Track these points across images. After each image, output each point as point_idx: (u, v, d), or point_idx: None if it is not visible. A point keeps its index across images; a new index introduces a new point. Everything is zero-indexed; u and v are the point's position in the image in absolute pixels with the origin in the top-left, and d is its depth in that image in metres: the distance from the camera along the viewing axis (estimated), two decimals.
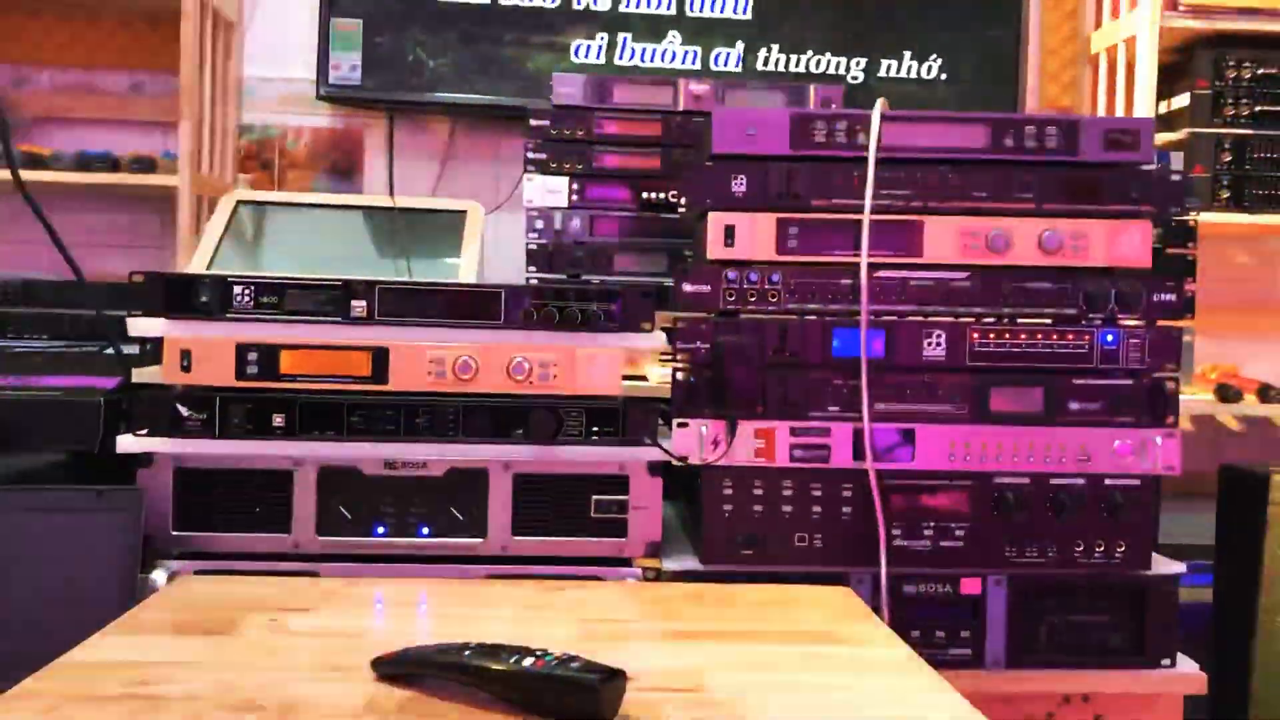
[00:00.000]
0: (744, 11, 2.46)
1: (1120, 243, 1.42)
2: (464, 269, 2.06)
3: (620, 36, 2.45)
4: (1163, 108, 2.40)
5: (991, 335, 1.42)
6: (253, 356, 1.37)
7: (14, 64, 2.47)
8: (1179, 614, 1.45)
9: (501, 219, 2.45)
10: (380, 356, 1.38)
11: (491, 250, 2.33)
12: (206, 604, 1.14)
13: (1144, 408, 1.42)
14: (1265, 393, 2.29)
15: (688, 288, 1.42)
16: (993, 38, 2.50)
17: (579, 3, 2.43)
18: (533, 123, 2.03)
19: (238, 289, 1.37)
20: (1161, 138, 2.36)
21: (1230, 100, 2.31)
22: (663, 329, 1.48)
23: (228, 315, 1.37)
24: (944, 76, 2.49)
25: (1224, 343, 2.55)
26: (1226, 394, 2.24)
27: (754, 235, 1.42)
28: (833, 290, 1.42)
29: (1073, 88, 2.62)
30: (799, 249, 1.42)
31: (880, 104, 1.42)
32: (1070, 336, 1.42)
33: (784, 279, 1.42)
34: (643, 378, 2.02)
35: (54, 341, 2.07)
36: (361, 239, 2.20)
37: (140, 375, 1.70)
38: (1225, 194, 2.30)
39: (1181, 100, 2.36)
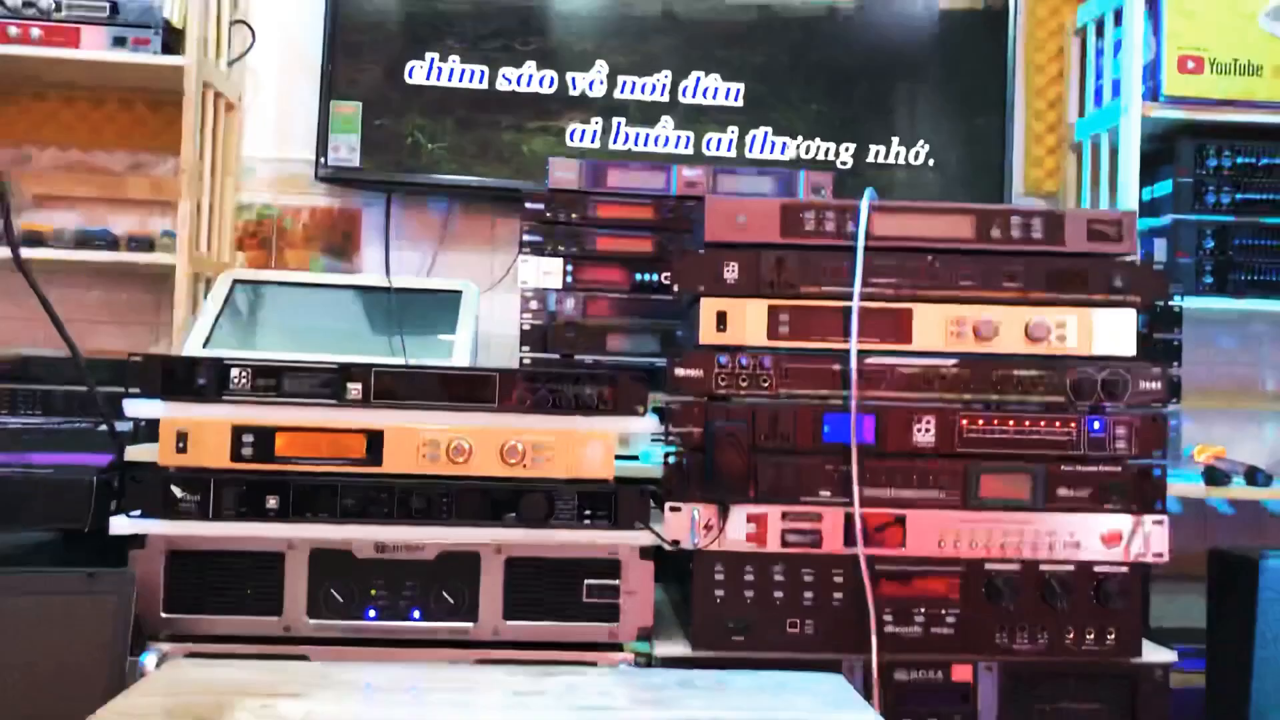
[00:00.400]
0: (735, 99, 2.51)
1: (1105, 332, 1.45)
2: (458, 349, 2.08)
3: (615, 121, 2.50)
4: (1146, 194, 2.45)
5: (980, 422, 1.44)
6: (248, 438, 1.38)
7: (17, 144, 2.50)
8: (1171, 700, 1.44)
9: (496, 297, 2.47)
10: (375, 439, 1.39)
11: (486, 328, 2.35)
12: (197, 689, 1.13)
13: (1132, 495, 1.44)
14: (1253, 476, 2.30)
15: (680, 372, 1.44)
16: (978, 125, 2.56)
17: (575, 89, 2.48)
18: (529, 205, 2.07)
19: (235, 372, 1.39)
20: (1145, 224, 2.40)
21: (1212, 188, 2.35)
22: (655, 410, 1.49)
23: (224, 398, 1.39)
24: (931, 162, 2.54)
25: (1211, 424, 2.58)
26: (1214, 477, 2.25)
27: (745, 321, 1.44)
28: (823, 375, 1.44)
29: (1057, 173, 2.67)
30: (790, 334, 1.45)
31: (868, 194, 1.46)
32: (1058, 424, 1.44)
33: (775, 364, 1.44)
34: (634, 457, 2.03)
35: (50, 417, 2.09)
36: (358, 318, 2.23)
37: (134, 452, 1.71)
38: (1209, 279, 2.33)
39: (1165, 187, 2.41)
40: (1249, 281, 2.34)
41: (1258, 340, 2.68)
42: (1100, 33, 2.53)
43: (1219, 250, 2.34)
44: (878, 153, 2.53)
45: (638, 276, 2.08)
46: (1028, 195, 2.67)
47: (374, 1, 2.46)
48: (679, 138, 2.51)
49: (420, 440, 1.39)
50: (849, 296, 1.43)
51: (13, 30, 2.21)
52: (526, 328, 2.04)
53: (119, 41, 2.25)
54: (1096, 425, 1.44)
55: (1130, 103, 2.34)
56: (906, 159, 2.54)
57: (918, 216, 1.46)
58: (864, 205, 1.43)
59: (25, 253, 1.72)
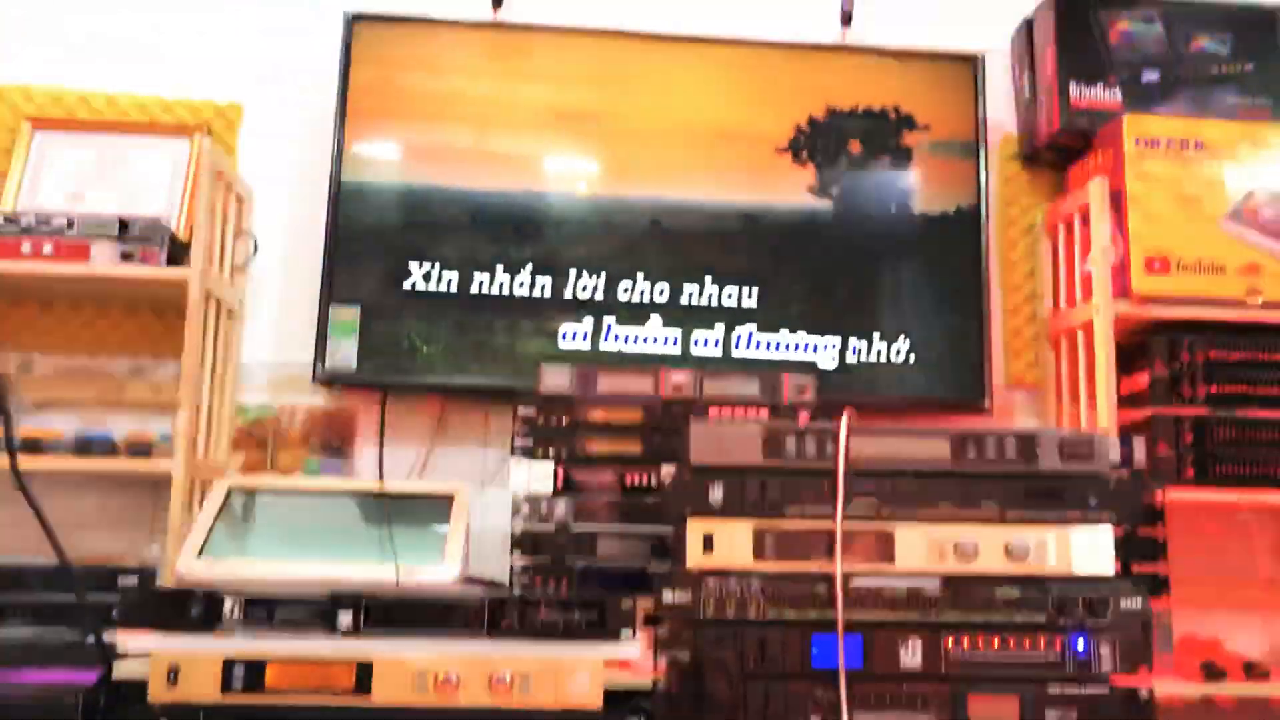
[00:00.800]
0: (722, 300, 2.60)
1: (1084, 549, 1.47)
2: (449, 556, 2.09)
3: (605, 321, 2.57)
4: (1124, 387, 2.51)
5: (965, 643, 1.44)
6: (239, 671, 1.38)
7: (22, 351, 2.57)
8: None
9: (489, 493, 2.50)
10: (364, 670, 1.40)
11: (480, 524, 2.38)
12: None
13: (1119, 714, 1.43)
14: (1250, 670, 2.29)
15: (668, 596, 1.46)
16: (957, 320, 2.63)
17: (567, 292, 2.57)
18: (521, 411, 2.12)
19: (228, 603, 1.40)
20: (1124, 415, 2.45)
21: (1187, 381, 2.41)
22: (646, 618, 1.50)
23: (216, 629, 1.40)
24: (912, 358, 2.60)
25: (1205, 614, 2.57)
26: (1211, 672, 2.24)
27: (731, 543, 1.47)
28: (810, 597, 1.46)
29: (1036, 366, 2.74)
30: (775, 556, 1.47)
31: (846, 415, 1.50)
32: (1042, 643, 1.45)
33: (762, 586, 1.46)
34: (626, 664, 2.02)
35: (40, 627, 2.08)
36: (352, 522, 2.25)
37: (122, 669, 1.70)
38: (1191, 471, 2.36)
39: (1142, 380, 2.47)
40: (1231, 474, 2.37)
41: (1246, 528, 2.69)
42: (1069, 231, 2.64)
43: (1199, 443, 2.38)
44: (859, 349, 2.60)
45: (627, 479, 2.12)
46: (1009, 388, 2.73)
47: (374, 211, 2.57)
48: (667, 337, 2.59)
49: (409, 672, 1.39)
50: (832, 516, 1.46)
51: (25, 247, 2.31)
52: (518, 533, 2.07)
53: (127, 256, 2.34)
54: (1081, 645, 1.45)
55: (1101, 302, 2.43)
56: (888, 355, 2.61)
57: (895, 439, 1.51)
58: (843, 428, 1.48)
59: (23, 460, 1.75)
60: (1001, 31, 2.88)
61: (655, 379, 2.20)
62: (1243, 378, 2.42)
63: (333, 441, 2.60)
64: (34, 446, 2.26)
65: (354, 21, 2.65)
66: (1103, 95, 2.63)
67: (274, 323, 2.64)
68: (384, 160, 2.60)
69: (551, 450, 2.11)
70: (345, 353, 2.50)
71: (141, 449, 2.32)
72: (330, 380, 2.51)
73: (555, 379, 2.17)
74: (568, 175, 2.66)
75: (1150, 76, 2.65)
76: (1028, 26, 2.80)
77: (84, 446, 2.31)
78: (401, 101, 2.63)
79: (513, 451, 2.10)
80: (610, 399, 2.16)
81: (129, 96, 2.67)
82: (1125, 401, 2.48)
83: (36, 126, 2.60)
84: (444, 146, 2.63)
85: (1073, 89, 2.63)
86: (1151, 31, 2.66)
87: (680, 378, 2.19)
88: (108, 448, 2.33)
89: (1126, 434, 2.39)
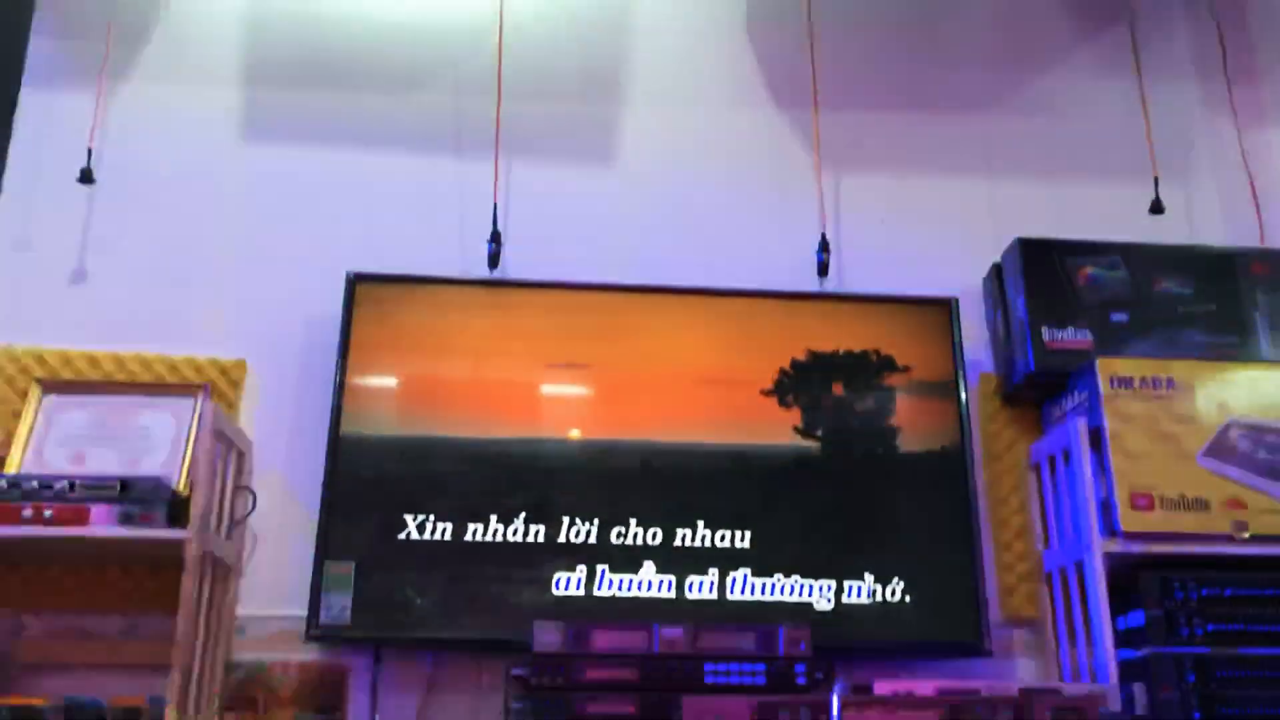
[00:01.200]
0: (715, 543, 2.62)
1: None
2: None
3: (599, 568, 2.58)
4: (1121, 623, 2.49)
5: None
6: None
7: (15, 612, 2.56)
8: None
9: None
10: None
11: None
12: None
13: None
14: None
15: None
16: (950, 558, 2.64)
17: (560, 539, 2.59)
18: (514, 672, 2.11)
19: None
20: (1124, 654, 2.42)
21: (1184, 619, 2.40)
22: None
23: None
24: (908, 599, 2.60)
25: None
26: None
27: None
28: None
29: (1032, 601, 2.73)
30: None
31: (837, 691, 1.51)
32: None
33: None
34: None
35: None
36: None
37: None
38: (1198, 716, 2.32)
39: (1138, 618, 2.45)
40: (1240, 716, 2.33)
41: None
42: (1053, 469, 2.68)
43: (1202, 684, 2.35)
44: (854, 589, 2.60)
45: None
46: (1006, 623, 2.71)
47: (371, 463, 2.62)
48: (661, 582, 2.59)
49: None
50: None
51: (26, 512, 2.34)
52: None
53: (127, 518, 2.37)
54: None
55: (1090, 540, 2.45)
56: (884, 596, 2.60)
57: (887, 710, 1.50)
58: (834, 704, 1.48)
59: None
60: (975, 269, 3.01)
61: (649, 635, 2.20)
62: (1239, 615, 2.40)
63: (325, 699, 2.56)
64: (22, 718, 2.23)
65: (355, 282, 2.78)
66: (1074, 336, 2.73)
67: (268, 578, 2.64)
68: (381, 411, 2.67)
69: (545, 714, 2.08)
70: (339, 608, 2.49)
71: (129, 716, 2.29)
72: (324, 636, 2.50)
73: (548, 637, 2.16)
74: (560, 422, 2.72)
75: (1119, 317, 2.76)
76: (997, 271, 2.93)
77: (71, 716, 2.28)
78: (400, 338, 2.72)
79: (506, 716, 2.07)
80: (604, 658, 2.15)
81: (136, 356, 2.77)
82: (1121, 640, 2.46)
83: (45, 389, 2.68)
84: (440, 389, 2.70)
85: (1045, 332, 2.73)
86: (1116, 275, 2.79)
87: (674, 634, 2.18)
88: (95, 715, 2.29)
89: (1127, 678, 2.37)
